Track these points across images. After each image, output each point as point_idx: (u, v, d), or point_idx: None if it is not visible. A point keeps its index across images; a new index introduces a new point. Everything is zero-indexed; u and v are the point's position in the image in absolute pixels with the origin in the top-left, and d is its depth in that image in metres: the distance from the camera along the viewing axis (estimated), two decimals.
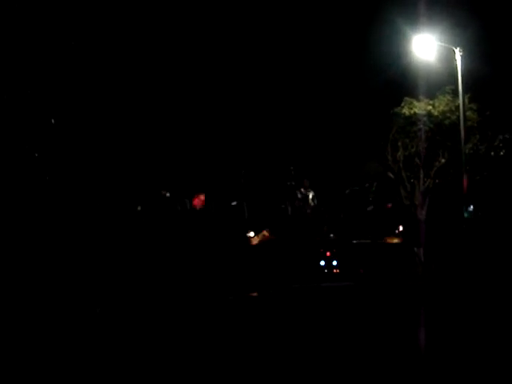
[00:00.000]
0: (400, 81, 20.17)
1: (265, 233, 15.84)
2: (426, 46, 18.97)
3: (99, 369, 6.04)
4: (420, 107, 20.00)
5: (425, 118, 19.93)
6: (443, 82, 20.03)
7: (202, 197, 14.96)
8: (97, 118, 14.89)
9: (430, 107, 20.01)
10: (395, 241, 17.25)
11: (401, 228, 18.09)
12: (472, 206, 17.56)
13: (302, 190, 16.84)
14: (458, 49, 18.36)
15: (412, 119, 20.05)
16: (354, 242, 16.43)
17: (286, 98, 20.86)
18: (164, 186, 15.51)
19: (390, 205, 19.01)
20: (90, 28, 15.09)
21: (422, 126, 19.88)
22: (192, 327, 8.38)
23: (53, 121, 12.95)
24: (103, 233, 13.25)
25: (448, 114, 19.98)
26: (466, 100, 18.98)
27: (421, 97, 20.23)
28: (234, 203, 15.53)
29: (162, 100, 18.18)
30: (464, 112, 18.40)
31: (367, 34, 20.31)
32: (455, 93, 19.27)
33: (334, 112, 20.53)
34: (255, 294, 12.33)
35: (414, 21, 19.54)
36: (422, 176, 20.14)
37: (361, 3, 21.53)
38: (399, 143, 20.29)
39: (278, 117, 20.65)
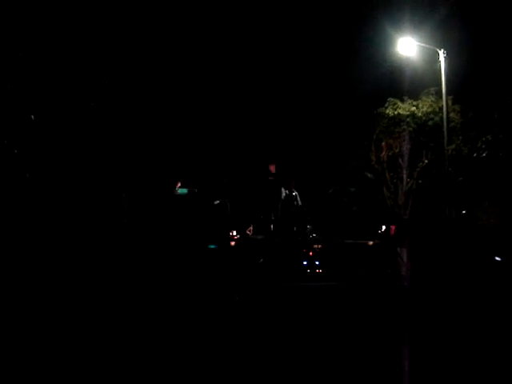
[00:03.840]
0: (384, 82, 20.29)
1: (247, 232, 15.79)
2: (411, 48, 19.02)
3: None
4: (404, 108, 20.11)
5: (408, 119, 20.03)
6: (427, 84, 20.12)
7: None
8: (77, 113, 14.75)
9: (414, 108, 20.12)
10: (375, 241, 17.20)
11: (383, 228, 18.08)
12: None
13: (287, 190, 16.75)
14: (442, 50, 18.40)
15: (396, 120, 20.15)
16: (337, 241, 16.37)
17: (270, 97, 20.84)
18: (147, 183, 15.41)
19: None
20: (90, 27, 14.97)
21: (405, 126, 19.95)
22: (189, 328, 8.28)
23: (32, 117, 12.78)
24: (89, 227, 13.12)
25: (431, 115, 20.09)
26: (450, 101, 19.04)
27: (405, 97, 20.34)
28: (216, 202, 15.42)
29: (147, 98, 18.04)
30: (447, 113, 18.41)
31: (352, 36, 20.39)
32: (439, 94, 19.35)
33: (319, 111, 20.56)
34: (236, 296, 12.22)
35: (398, 23, 19.63)
36: (405, 177, 20.21)
37: (346, 6, 21.58)
38: (383, 143, 20.36)
39: (262, 116, 20.62)
